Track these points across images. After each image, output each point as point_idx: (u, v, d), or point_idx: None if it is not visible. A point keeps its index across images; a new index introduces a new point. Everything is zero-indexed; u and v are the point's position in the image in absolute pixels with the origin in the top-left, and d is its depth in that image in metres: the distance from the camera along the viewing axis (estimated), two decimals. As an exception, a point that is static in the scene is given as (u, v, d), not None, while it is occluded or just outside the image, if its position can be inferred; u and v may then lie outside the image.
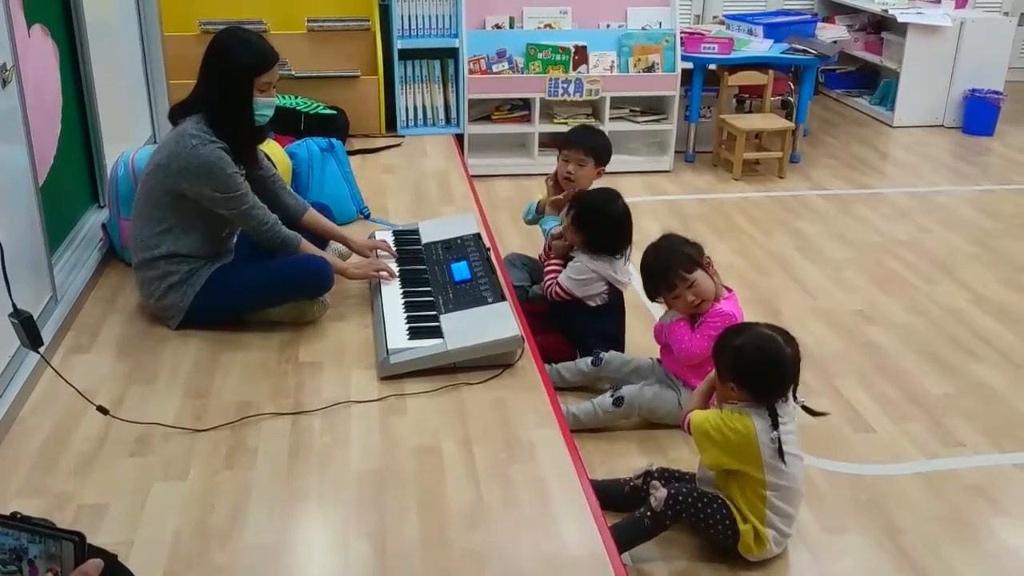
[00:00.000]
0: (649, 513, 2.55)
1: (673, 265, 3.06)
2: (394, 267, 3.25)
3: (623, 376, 3.29)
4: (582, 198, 3.50)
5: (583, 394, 3.31)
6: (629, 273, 3.51)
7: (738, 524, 2.55)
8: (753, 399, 2.52)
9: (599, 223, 3.41)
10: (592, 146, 3.71)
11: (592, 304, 3.44)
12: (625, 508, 2.73)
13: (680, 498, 2.55)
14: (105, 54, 3.74)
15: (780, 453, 2.48)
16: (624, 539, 2.49)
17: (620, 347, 3.47)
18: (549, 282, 3.46)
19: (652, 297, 3.21)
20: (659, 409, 3.16)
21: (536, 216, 3.87)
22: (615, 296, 3.50)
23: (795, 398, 2.60)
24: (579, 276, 3.40)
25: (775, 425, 2.48)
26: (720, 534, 2.56)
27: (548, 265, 3.52)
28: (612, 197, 3.47)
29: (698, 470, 2.71)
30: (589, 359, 3.35)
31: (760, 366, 2.50)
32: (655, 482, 2.64)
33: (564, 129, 5.72)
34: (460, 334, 2.81)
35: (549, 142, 5.76)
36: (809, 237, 4.99)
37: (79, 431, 2.48)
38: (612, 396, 3.15)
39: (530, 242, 4.32)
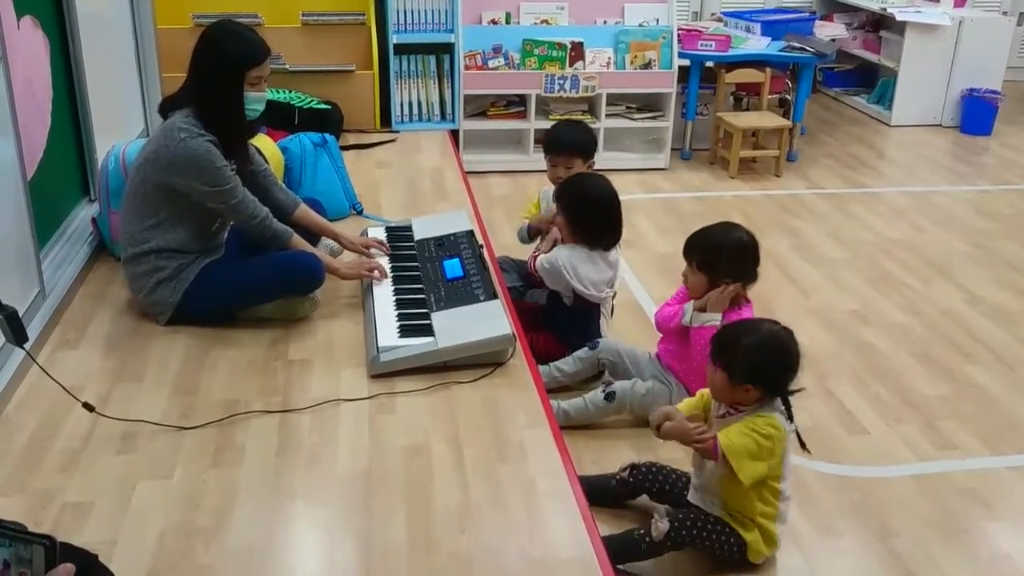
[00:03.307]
0: (648, 539, 2.51)
1: (696, 250, 3.04)
2: (386, 264, 3.23)
3: (620, 359, 3.27)
4: (567, 180, 3.48)
5: (575, 393, 3.28)
6: (608, 283, 3.42)
7: (742, 535, 2.51)
8: (770, 396, 2.48)
9: (582, 202, 3.36)
10: (577, 145, 3.68)
11: (566, 303, 3.40)
12: (612, 504, 2.74)
13: (684, 532, 2.51)
14: (97, 47, 3.71)
15: (802, 443, 2.49)
16: (617, 555, 2.44)
17: None
18: (534, 256, 3.43)
19: None
20: (651, 406, 3.11)
21: (529, 238, 3.84)
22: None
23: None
24: (547, 264, 3.34)
25: (791, 417, 2.47)
26: (727, 552, 2.52)
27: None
28: (597, 178, 3.45)
29: (695, 477, 2.64)
30: (586, 346, 3.32)
31: (777, 363, 2.46)
32: (658, 512, 2.58)
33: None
34: (451, 332, 2.79)
35: (544, 139, 5.73)
36: (805, 236, 4.97)
37: (64, 428, 2.45)
38: (604, 391, 3.14)
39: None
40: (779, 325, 2.53)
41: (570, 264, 3.32)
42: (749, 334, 2.49)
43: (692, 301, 3.06)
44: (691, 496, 2.64)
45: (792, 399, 2.52)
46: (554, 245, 3.45)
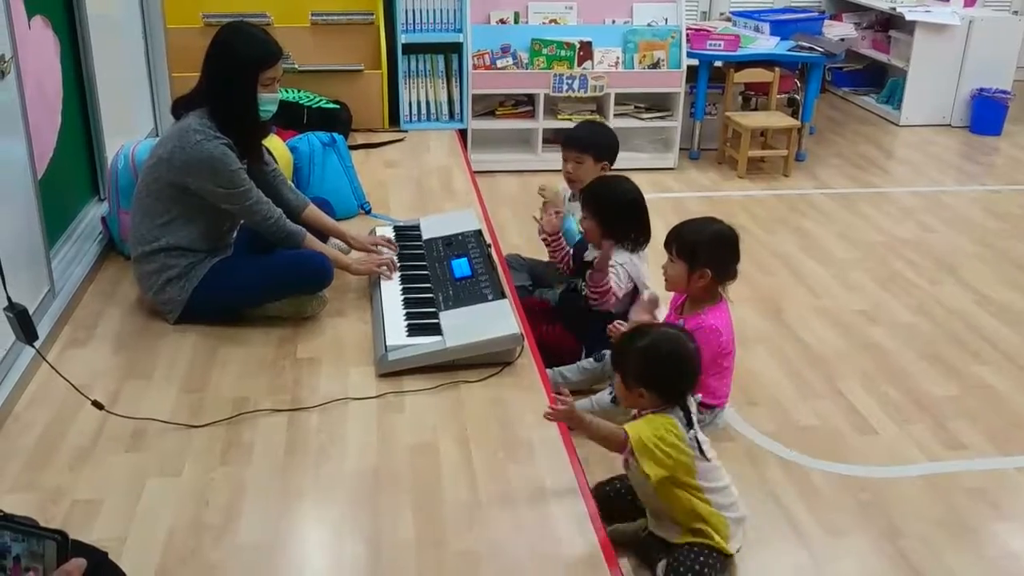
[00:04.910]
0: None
1: (676, 238, 3.01)
2: (395, 260, 3.24)
3: None
4: (593, 184, 3.45)
5: (582, 395, 3.28)
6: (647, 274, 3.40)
7: (712, 544, 2.43)
8: (663, 401, 2.40)
9: (611, 205, 3.33)
10: (589, 142, 3.64)
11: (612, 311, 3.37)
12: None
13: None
14: (107, 46, 3.73)
15: (701, 451, 2.38)
16: (619, 544, 2.42)
17: None
18: (608, 296, 3.24)
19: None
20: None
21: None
22: (633, 295, 3.45)
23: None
24: (620, 279, 3.25)
25: (690, 424, 2.38)
26: (713, 568, 2.44)
27: (597, 285, 3.26)
28: (623, 180, 3.41)
29: (630, 474, 2.55)
30: (592, 358, 3.32)
31: (670, 366, 2.39)
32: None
33: (569, 125, 5.73)
34: (459, 331, 2.80)
35: (553, 139, 5.74)
36: (813, 236, 4.97)
37: (74, 426, 2.46)
38: (611, 394, 3.13)
39: (532, 241, 4.30)
40: (676, 330, 2.49)
41: (635, 269, 3.28)
42: (640, 338, 2.44)
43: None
44: (651, 526, 2.56)
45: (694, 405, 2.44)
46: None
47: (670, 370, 2.40)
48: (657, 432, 2.34)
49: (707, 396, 3.04)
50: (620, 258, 3.31)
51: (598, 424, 2.37)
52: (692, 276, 2.97)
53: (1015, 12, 7.67)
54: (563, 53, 5.67)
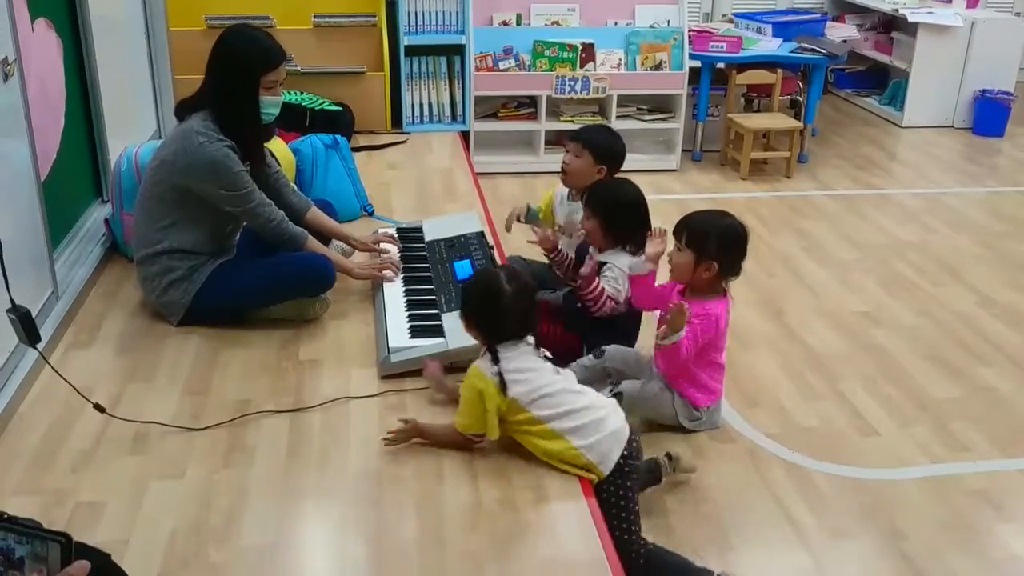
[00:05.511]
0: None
1: (686, 227, 3.02)
2: (399, 260, 3.25)
3: (628, 367, 3.26)
4: (596, 186, 3.46)
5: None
6: None
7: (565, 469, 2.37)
8: (483, 338, 2.43)
9: (616, 206, 3.33)
10: (594, 141, 3.62)
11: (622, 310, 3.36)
12: None
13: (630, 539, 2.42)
14: (110, 48, 3.73)
15: (503, 387, 2.33)
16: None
17: (632, 344, 3.43)
18: (601, 301, 3.25)
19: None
20: (659, 408, 3.13)
21: (531, 216, 3.82)
22: None
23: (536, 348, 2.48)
24: (619, 284, 3.26)
25: (495, 360, 2.36)
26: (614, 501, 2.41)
27: (585, 291, 3.29)
28: (626, 183, 3.41)
29: None
30: (591, 355, 3.32)
31: (479, 300, 2.43)
32: None
33: (571, 127, 5.74)
34: (462, 333, 2.78)
35: (556, 140, 5.74)
36: (816, 238, 4.97)
37: (77, 428, 2.46)
38: (611, 392, 3.12)
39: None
40: (497, 271, 2.49)
41: (624, 262, 3.27)
42: (474, 276, 2.66)
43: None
44: None
45: (521, 352, 2.40)
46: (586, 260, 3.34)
47: (482, 308, 2.43)
48: (465, 397, 2.38)
49: (697, 392, 3.05)
50: (620, 262, 3.31)
51: (440, 431, 2.43)
52: (699, 267, 2.98)
53: (1017, 13, 7.67)
54: (565, 55, 5.67)
